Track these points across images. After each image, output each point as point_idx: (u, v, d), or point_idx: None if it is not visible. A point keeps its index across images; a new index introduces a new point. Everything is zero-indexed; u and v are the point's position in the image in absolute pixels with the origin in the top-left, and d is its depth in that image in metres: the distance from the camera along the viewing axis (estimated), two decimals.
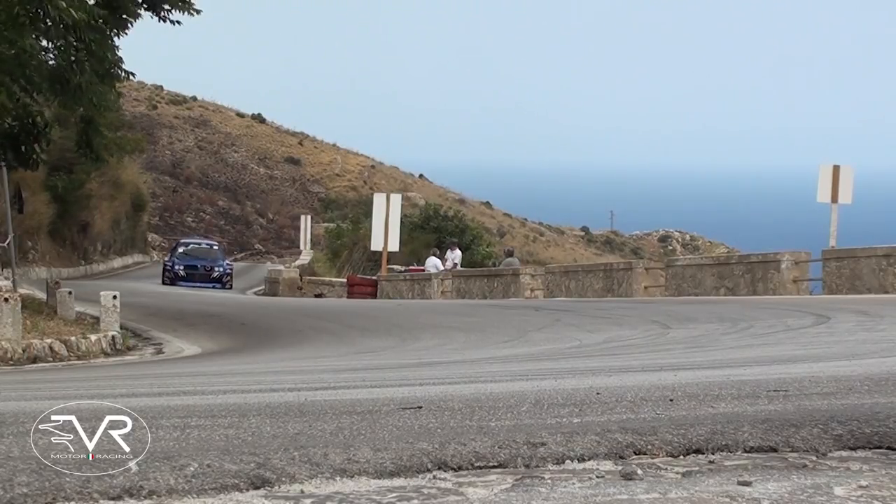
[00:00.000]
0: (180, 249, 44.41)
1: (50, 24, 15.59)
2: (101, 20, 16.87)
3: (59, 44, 16.87)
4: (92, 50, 16.77)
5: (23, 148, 18.74)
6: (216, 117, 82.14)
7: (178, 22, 18.49)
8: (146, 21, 18.56)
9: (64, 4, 15.08)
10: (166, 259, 44.73)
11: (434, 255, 34.43)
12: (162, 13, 18.25)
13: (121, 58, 18.59)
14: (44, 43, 17.72)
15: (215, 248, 46.21)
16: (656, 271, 26.74)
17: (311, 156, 79.71)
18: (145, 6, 18.16)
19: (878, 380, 4.75)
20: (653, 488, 2.65)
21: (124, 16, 18.11)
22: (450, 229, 44.98)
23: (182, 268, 42.19)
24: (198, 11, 18.55)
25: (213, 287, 40.30)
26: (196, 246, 45.49)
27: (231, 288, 41.76)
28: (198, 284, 40.46)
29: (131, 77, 19.91)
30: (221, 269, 43.05)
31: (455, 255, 34.09)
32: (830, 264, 20.88)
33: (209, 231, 69.27)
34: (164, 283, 41.34)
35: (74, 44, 16.61)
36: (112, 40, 18.08)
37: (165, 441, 3.19)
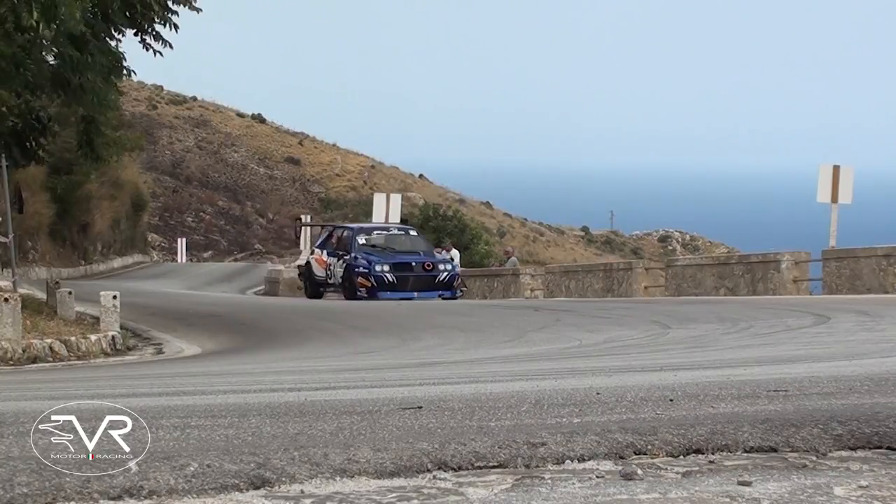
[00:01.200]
0: (360, 240, 26.60)
1: (29, 34, 15.63)
2: (94, 34, 16.86)
3: (36, 50, 16.86)
4: (84, 60, 16.77)
5: (28, 143, 18.81)
6: (216, 117, 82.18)
7: (160, 53, 18.39)
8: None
9: (35, 24, 15.08)
10: (346, 256, 26.32)
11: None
12: (145, 38, 18.10)
13: (122, 55, 18.56)
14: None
15: (413, 232, 28.41)
16: (656, 271, 26.76)
17: (311, 156, 79.74)
18: (133, 30, 18.08)
19: (878, 380, 4.75)
20: (653, 488, 2.65)
21: (115, 29, 18.07)
22: (449, 229, 45.00)
23: (388, 268, 25.40)
24: (198, 10, 18.48)
25: (440, 296, 24.97)
26: (384, 233, 27.69)
27: (461, 296, 26.42)
28: (414, 294, 25.07)
29: (133, 74, 19.86)
30: (450, 269, 26.10)
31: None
32: (830, 264, 20.89)
33: (209, 231, 69.30)
34: (346, 296, 25.91)
35: (59, 55, 16.63)
36: (110, 46, 18.06)
37: (165, 441, 3.19)
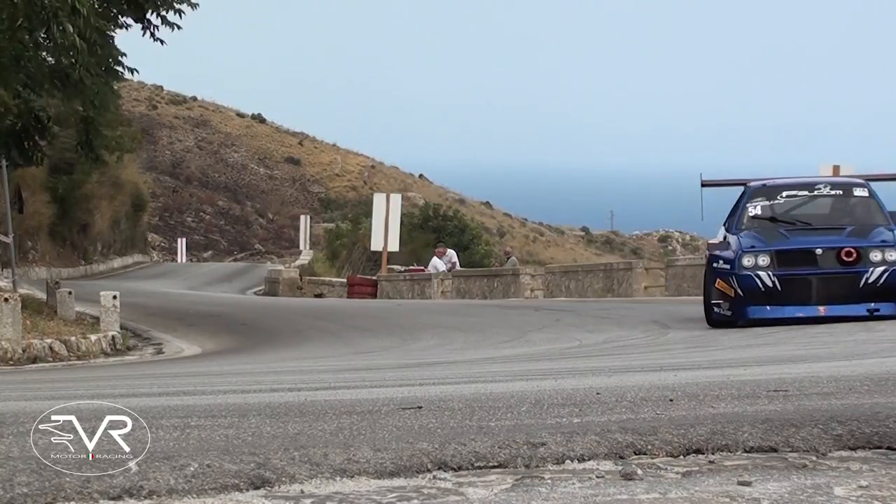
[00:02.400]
0: (753, 209, 14.62)
1: (53, 39, 15.61)
2: (100, 31, 16.82)
3: (63, 53, 16.83)
4: (89, 63, 16.74)
5: (26, 144, 18.79)
6: (216, 117, 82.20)
7: (162, 41, 18.21)
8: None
9: (70, 28, 15.10)
10: (721, 248, 14.10)
11: (438, 255, 34.30)
12: (150, 27, 17.95)
13: (122, 52, 18.48)
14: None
15: (860, 192, 14.72)
16: (656, 271, 26.75)
17: (311, 156, 79.77)
18: (134, 18, 17.96)
19: (878, 380, 4.75)
20: (653, 488, 2.65)
21: (120, 18, 17.98)
22: (449, 229, 45.00)
23: (766, 262, 13.54)
24: (195, 5, 18.33)
25: (870, 312, 13.16)
26: (802, 193, 14.89)
27: None
28: (818, 310, 13.38)
29: (135, 73, 19.77)
30: (893, 262, 13.27)
31: (450, 256, 33.95)
32: None
33: (209, 231, 69.31)
34: (708, 319, 13.94)
35: (77, 58, 16.60)
36: (112, 41, 18.00)
37: (165, 441, 3.19)
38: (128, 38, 18.73)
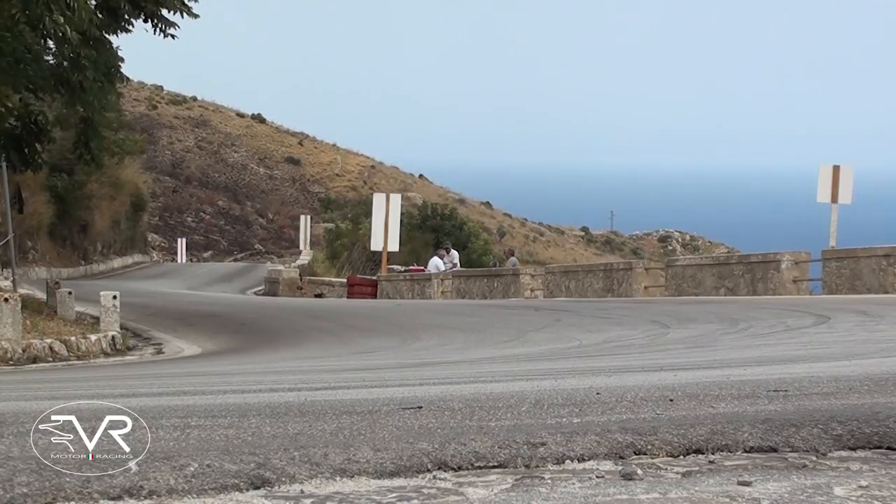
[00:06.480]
0: None
1: (47, 32, 15.64)
2: (100, 31, 16.85)
3: (59, 49, 16.87)
4: (91, 58, 16.77)
5: (26, 148, 18.80)
6: (216, 117, 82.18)
7: (174, 36, 18.27)
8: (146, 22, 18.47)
9: (62, 20, 15.14)
10: None
11: (439, 256, 34.32)
12: (158, 24, 18.00)
13: (121, 59, 18.57)
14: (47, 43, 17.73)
15: None
16: (656, 271, 26.73)
17: (311, 156, 79.74)
18: (143, 17, 18.02)
19: (878, 380, 4.75)
20: (653, 488, 2.65)
21: (123, 24, 18.02)
22: (447, 228, 45.02)
23: None
24: (195, 16, 18.46)
25: None
26: None
27: None
28: None
29: (128, 80, 19.91)
30: None
31: (452, 257, 33.97)
32: (830, 264, 20.88)
33: (209, 231, 69.29)
34: None
35: (73, 52, 16.61)
36: (111, 46, 18.04)
37: (165, 441, 3.18)
38: (128, 39, 18.81)
